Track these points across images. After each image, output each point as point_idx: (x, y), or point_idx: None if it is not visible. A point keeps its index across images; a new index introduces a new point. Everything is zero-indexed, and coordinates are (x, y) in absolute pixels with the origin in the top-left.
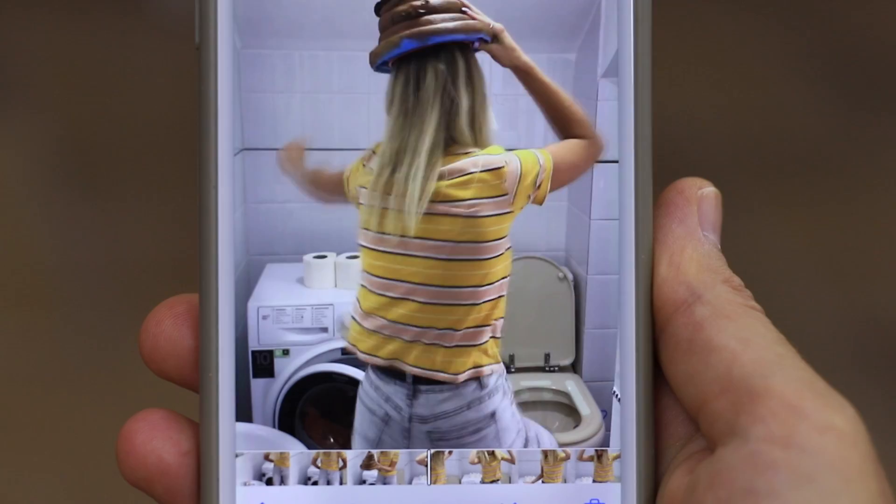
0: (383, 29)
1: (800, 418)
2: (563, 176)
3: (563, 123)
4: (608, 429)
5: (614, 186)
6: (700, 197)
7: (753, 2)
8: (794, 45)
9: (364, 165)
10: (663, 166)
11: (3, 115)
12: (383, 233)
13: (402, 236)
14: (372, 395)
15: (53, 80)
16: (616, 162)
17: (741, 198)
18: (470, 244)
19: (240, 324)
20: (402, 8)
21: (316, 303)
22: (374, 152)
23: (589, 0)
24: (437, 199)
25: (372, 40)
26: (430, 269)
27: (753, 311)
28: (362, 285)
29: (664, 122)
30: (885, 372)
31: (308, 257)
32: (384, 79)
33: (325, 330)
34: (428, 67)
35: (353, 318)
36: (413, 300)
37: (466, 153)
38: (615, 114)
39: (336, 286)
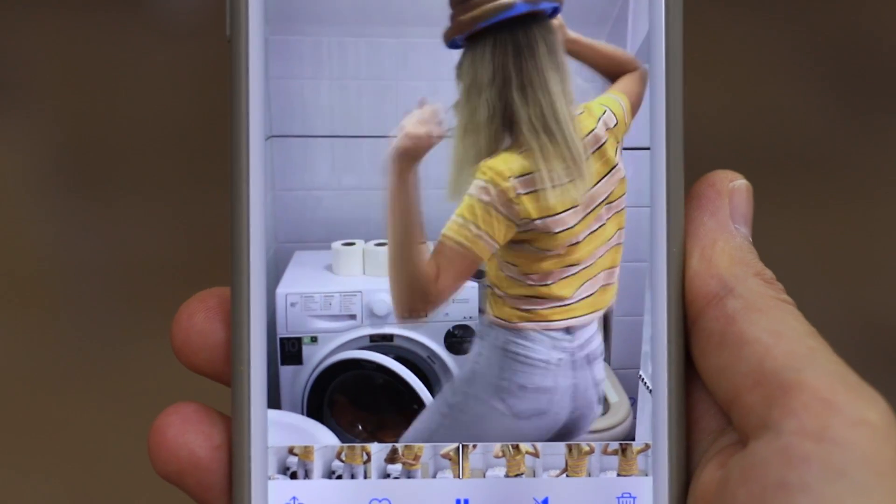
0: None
1: (832, 412)
2: (637, 108)
3: (617, 69)
4: (636, 416)
5: (642, 174)
6: (731, 189)
7: (754, 2)
8: (794, 45)
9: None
10: None
11: (3, 115)
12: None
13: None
14: (542, 350)
15: (53, 80)
16: (645, 149)
17: None
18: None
19: (268, 311)
20: None
21: (344, 290)
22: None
23: None
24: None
25: (398, 26)
26: (612, 230)
27: (785, 305)
28: (563, 279)
29: None
30: (886, 373)
31: (336, 244)
32: (414, 66)
33: (353, 317)
34: (536, 32)
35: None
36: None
37: (580, 114)
38: (645, 102)
39: (364, 273)
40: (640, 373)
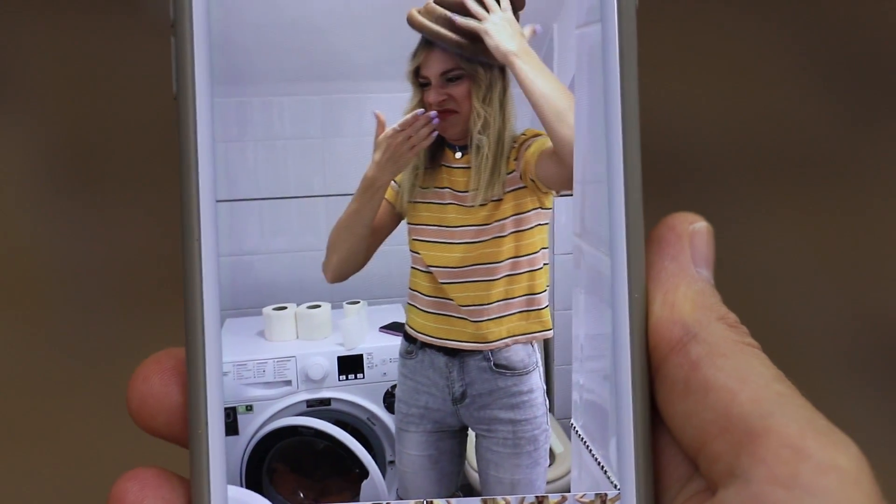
0: None
1: (802, 458)
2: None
3: None
4: (576, 466)
5: (569, 224)
6: (692, 232)
7: (755, 2)
8: (795, 45)
9: None
10: (664, 169)
11: None
12: None
13: None
14: None
15: (49, 80)
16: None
17: (743, 198)
18: None
19: None
20: None
21: (278, 356)
22: None
23: (540, 35)
24: None
25: (324, 82)
26: None
27: (750, 349)
28: None
29: (664, 125)
30: (884, 371)
31: (268, 309)
32: (339, 123)
33: (288, 383)
34: None
35: None
36: None
37: None
38: (602, 139)
39: (298, 337)
40: (572, 421)
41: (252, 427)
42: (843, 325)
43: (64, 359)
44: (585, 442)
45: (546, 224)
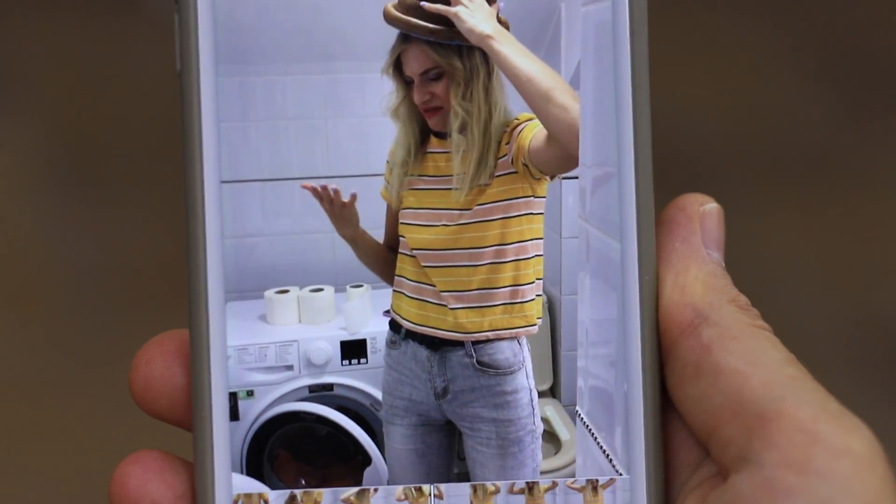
0: None
1: (814, 442)
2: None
3: None
4: (580, 453)
5: (574, 202)
6: (703, 213)
7: (755, 2)
8: (795, 45)
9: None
10: (664, 169)
11: (0, 116)
12: None
13: None
14: None
15: (50, 79)
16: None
17: (742, 197)
18: None
19: None
20: None
21: (279, 340)
22: None
23: (548, 11)
24: None
25: (326, 61)
26: None
27: (761, 331)
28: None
29: (664, 124)
30: (883, 371)
31: (270, 293)
32: (342, 104)
33: (290, 368)
34: None
35: None
36: None
37: None
38: (613, 124)
39: (300, 321)
40: (577, 409)
41: (253, 413)
42: (842, 325)
43: (64, 359)
44: (590, 429)
45: (540, 214)
